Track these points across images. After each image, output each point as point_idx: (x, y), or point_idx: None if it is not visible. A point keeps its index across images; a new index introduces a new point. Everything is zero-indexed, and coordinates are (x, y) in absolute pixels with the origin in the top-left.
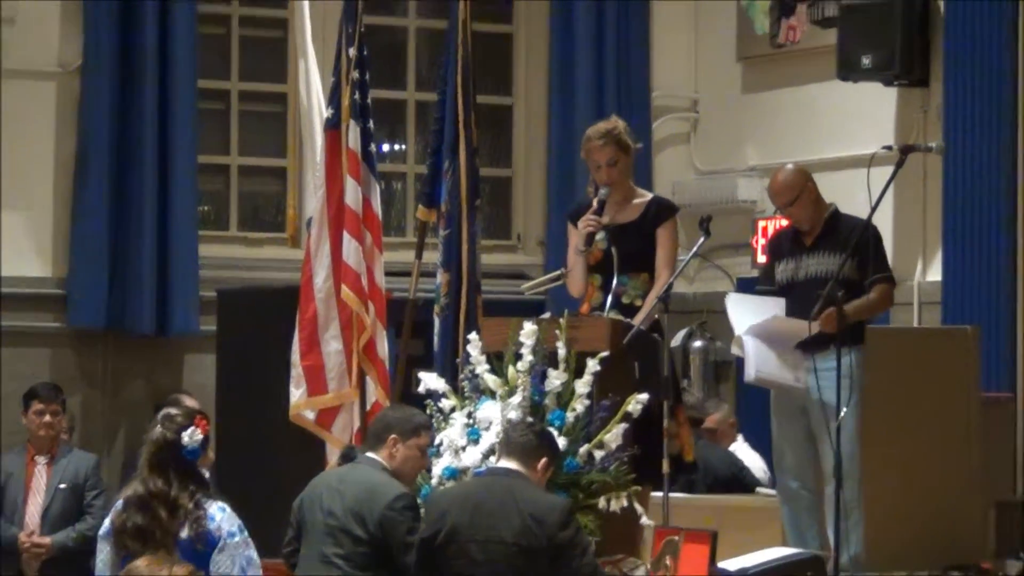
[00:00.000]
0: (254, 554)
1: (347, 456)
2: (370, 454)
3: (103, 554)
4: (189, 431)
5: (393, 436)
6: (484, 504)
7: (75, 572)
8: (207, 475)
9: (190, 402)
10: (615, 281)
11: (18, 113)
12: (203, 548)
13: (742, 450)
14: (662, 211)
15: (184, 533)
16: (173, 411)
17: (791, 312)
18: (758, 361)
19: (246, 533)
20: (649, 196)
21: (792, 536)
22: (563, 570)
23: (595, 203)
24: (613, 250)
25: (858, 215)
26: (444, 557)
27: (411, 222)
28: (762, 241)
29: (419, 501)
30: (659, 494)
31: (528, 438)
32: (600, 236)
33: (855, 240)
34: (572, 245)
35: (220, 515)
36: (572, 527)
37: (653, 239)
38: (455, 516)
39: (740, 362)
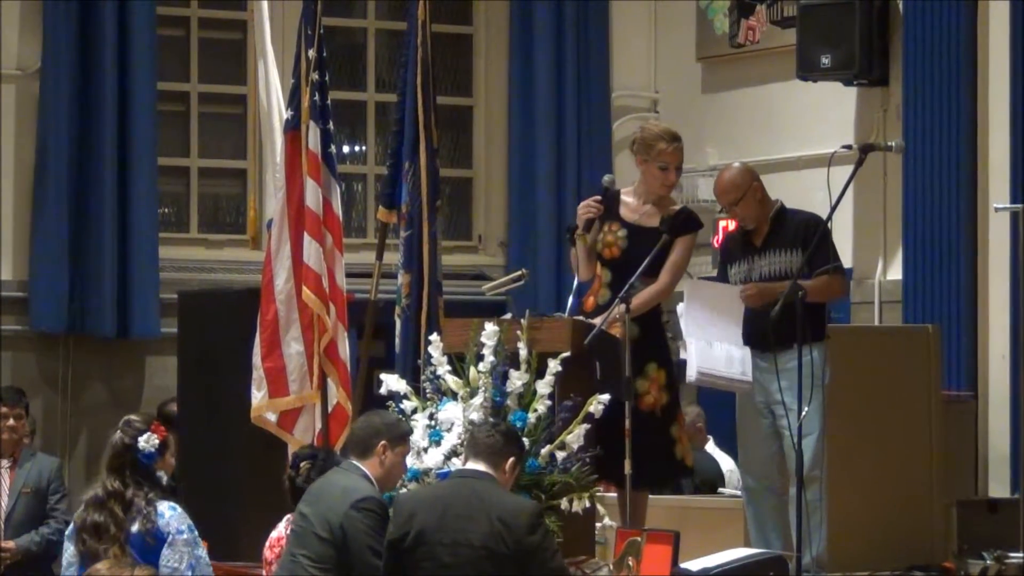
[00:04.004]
0: (203, 554)
1: (309, 457)
2: (355, 461)
3: (67, 553)
4: (145, 436)
5: (383, 442)
6: (452, 507)
7: None
8: (164, 478)
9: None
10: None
11: None
12: (153, 542)
13: (715, 453)
14: (685, 222)
15: (135, 528)
16: (133, 417)
17: (748, 314)
18: (700, 359)
19: (196, 533)
20: (680, 206)
21: (756, 536)
22: (532, 574)
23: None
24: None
25: (817, 213)
26: (412, 559)
27: (372, 223)
28: None
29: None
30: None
31: (494, 439)
32: (622, 234)
33: (804, 237)
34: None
35: (170, 513)
36: (540, 531)
37: (670, 247)
38: (423, 518)
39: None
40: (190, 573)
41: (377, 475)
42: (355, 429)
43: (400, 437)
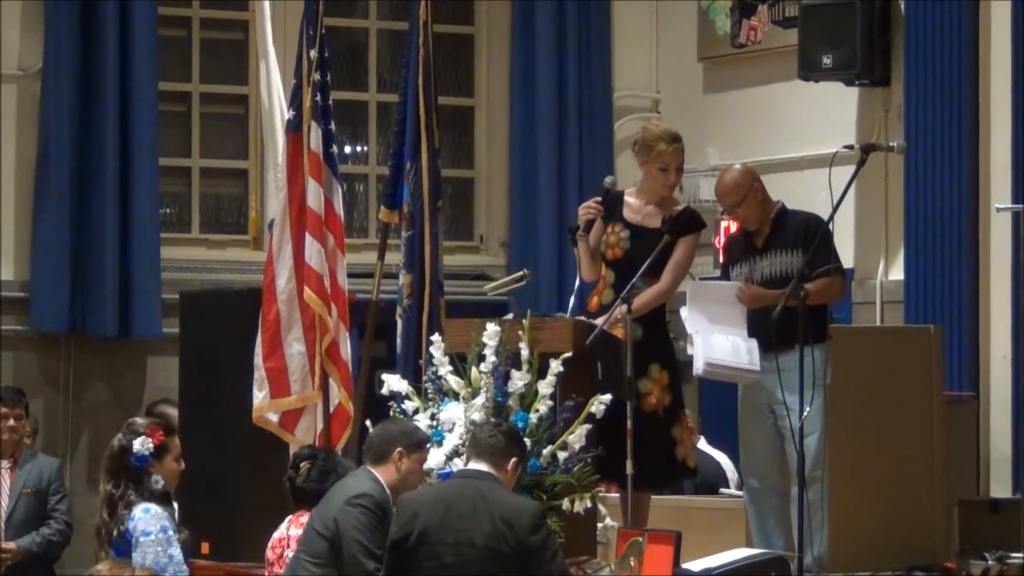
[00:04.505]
0: (176, 553)
1: (308, 457)
2: (368, 466)
3: None
4: (140, 439)
5: (399, 449)
6: (455, 506)
7: None
8: (160, 482)
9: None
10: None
11: None
12: (123, 544)
13: (707, 451)
14: (687, 222)
15: (115, 532)
16: (136, 420)
17: (750, 314)
18: (706, 350)
19: (170, 534)
20: (682, 206)
21: (757, 536)
22: (533, 574)
23: (604, 190)
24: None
25: (819, 214)
26: (414, 559)
27: (373, 223)
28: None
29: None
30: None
31: (496, 439)
32: (624, 235)
33: (804, 237)
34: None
35: (141, 515)
36: (543, 531)
37: (672, 248)
38: (426, 518)
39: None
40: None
41: (392, 481)
42: (372, 436)
43: (417, 444)
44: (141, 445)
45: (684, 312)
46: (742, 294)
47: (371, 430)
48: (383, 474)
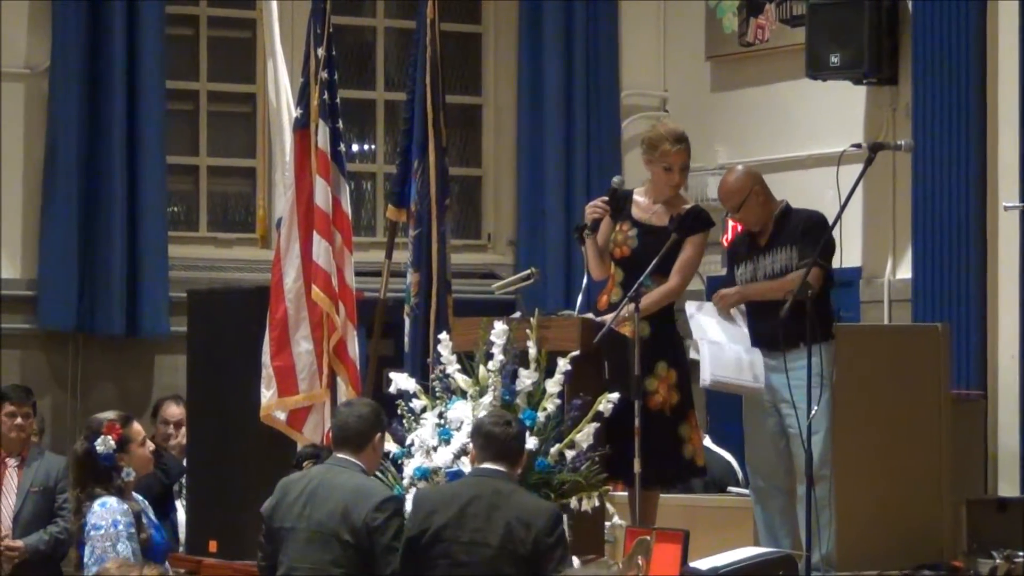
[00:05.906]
0: (124, 548)
1: (311, 456)
2: (344, 455)
3: None
4: (100, 439)
5: (380, 434)
6: (471, 506)
7: (47, 575)
8: (132, 474)
9: (176, 410)
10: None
11: None
12: (84, 541)
13: (716, 449)
14: (695, 221)
15: (79, 528)
16: (95, 418)
17: (753, 313)
18: (713, 365)
19: (120, 529)
20: (690, 205)
21: (764, 535)
22: (542, 572)
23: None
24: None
25: (826, 213)
26: (427, 557)
27: (381, 222)
28: None
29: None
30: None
31: (509, 438)
32: (632, 233)
33: (802, 232)
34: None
35: (97, 509)
36: (557, 534)
37: (679, 246)
38: (441, 516)
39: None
40: (95, 567)
41: (369, 467)
42: (349, 423)
43: (384, 424)
44: (103, 445)
45: (689, 309)
46: (721, 302)
47: (341, 415)
48: (365, 462)
